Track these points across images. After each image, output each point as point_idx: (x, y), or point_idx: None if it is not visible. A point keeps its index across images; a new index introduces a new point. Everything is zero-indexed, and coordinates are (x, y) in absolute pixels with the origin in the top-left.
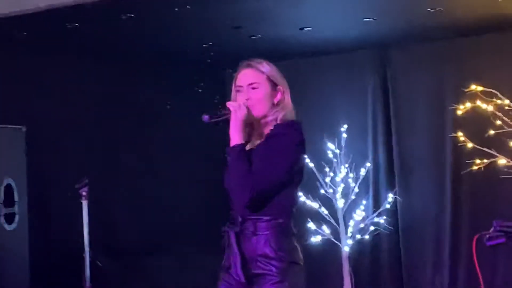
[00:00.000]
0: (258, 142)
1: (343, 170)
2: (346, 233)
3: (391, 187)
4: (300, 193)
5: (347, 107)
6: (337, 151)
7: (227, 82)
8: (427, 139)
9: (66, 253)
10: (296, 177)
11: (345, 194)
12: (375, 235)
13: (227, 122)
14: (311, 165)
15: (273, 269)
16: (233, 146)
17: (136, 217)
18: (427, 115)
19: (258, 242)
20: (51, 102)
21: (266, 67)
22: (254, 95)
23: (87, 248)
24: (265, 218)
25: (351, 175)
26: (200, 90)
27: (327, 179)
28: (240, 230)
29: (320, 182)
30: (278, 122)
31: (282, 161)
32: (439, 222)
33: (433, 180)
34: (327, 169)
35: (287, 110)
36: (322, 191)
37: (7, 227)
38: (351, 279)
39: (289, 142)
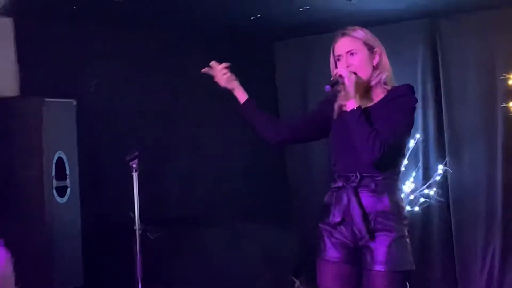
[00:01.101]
0: (369, 104)
1: None
2: None
3: (441, 158)
4: None
5: (397, 78)
6: None
7: (275, 55)
8: (478, 110)
9: (117, 225)
10: (409, 137)
11: None
12: (425, 207)
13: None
14: None
15: (393, 225)
16: (352, 110)
17: (186, 189)
18: (478, 85)
19: (379, 198)
20: (100, 75)
21: (360, 32)
22: (354, 61)
23: (137, 221)
24: (383, 175)
25: None
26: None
27: None
28: (358, 186)
29: None
30: (383, 84)
31: (405, 120)
32: (490, 193)
33: (484, 151)
34: None
35: (388, 72)
36: None
37: (59, 200)
38: None
39: (408, 104)
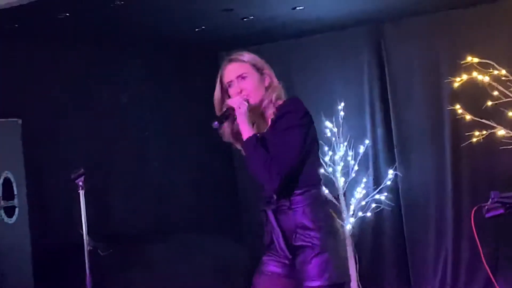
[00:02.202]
0: (265, 127)
1: (342, 148)
2: (348, 211)
3: (391, 163)
4: None
5: (344, 85)
6: (335, 129)
7: (221, 65)
8: (425, 113)
9: (67, 243)
10: (312, 146)
11: (345, 173)
12: (377, 212)
13: (233, 119)
14: None
15: (313, 240)
16: (247, 139)
17: (134, 204)
18: (424, 89)
19: (295, 215)
20: (45, 94)
21: (247, 56)
22: (246, 85)
23: (85, 237)
24: (298, 191)
25: (350, 153)
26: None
27: (327, 158)
28: (277, 207)
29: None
30: (274, 102)
31: (294, 138)
32: (440, 196)
33: (432, 154)
34: (326, 148)
35: (277, 90)
36: (322, 170)
37: (8, 220)
38: (354, 257)
39: (294, 118)
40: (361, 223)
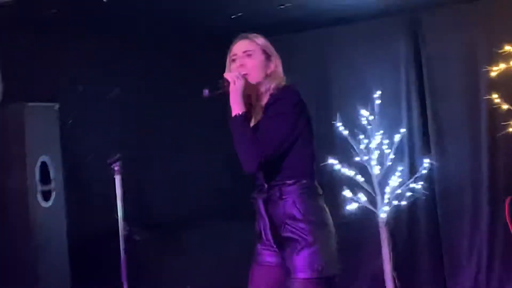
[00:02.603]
0: (259, 117)
1: (377, 137)
2: (383, 200)
3: (426, 152)
4: (334, 161)
5: (380, 74)
6: (371, 117)
7: None
8: (462, 102)
9: (102, 227)
10: (304, 136)
11: (380, 161)
12: (412, 201)
13: (226, 94)
14: (345, 132)
15: (301, 232)
16: (235, 116)
17: (170, 191)
18: (460, 78)
19: (285, 205)
20: (83, 79)
21: (260, 39)
22: (248, 62)
23: (121, 223)
24: (289, 181)
25: (385, 141)
26: None
27: (362, 146)
28: (268, 196)
29: (354, 150)
30: (271, 92)
31: (282, 124)
32: (475, 185)
33: (468, 143)
34: (361, 136)
35: (278, 79)
36: (357, 159)
37: (44, 204)
38: (388, 245)
39: (285, 105)
40: (396, 212)
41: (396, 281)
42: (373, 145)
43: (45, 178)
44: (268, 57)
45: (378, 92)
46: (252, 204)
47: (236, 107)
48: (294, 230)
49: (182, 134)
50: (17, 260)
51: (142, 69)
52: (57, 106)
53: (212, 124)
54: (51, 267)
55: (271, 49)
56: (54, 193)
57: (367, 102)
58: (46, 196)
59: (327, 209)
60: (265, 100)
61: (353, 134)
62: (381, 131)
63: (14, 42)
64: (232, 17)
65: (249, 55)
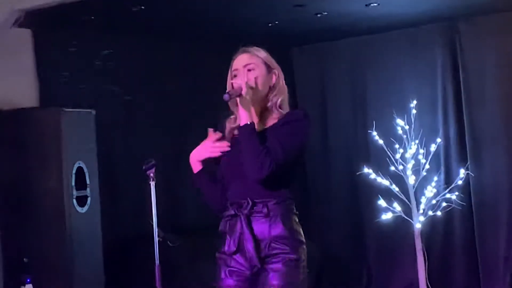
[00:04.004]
0: (263, 127)
1: (413, 146)
2: (418, 209)
3: (463, 162)
4: (369, 170)
5: (416, 82)
6: (407, 127)
7: (293, 61)
8: (499, 112)
9: (137, 233)
10: (301, 158)
11: (416, 171)
12: (447, 212)
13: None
14: (381, 141)
15: (287, 249)
16: (246, 125)
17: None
18: (498, 87)
19: (272, 223)
20: (119, 85)
21: (261, 52)
22: (251, 76)
23: (155, 229)
24: (275, 200)
25: (421, 151)
26: None
27: (397, 156)
28: (250, 213)
29: (390, 159)
30: (278, 107)
31: (296, 142)
32: None
33: (505, 154)
34: (397, 146)
35: (283, 95)
36: (393, 168)
37: (80, 209)
38: (424, 256)
39: (303, 129)
40: (431, 222)
41: None
42: (408, 154)
43: (80, 183)
44: (269, 69)
45: (415, 101)
46: (225, 222)
47: (247, 116)
48: (279, 248)
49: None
50: (53, 265)
51: (178, 74)
52: (93, 112)
53: None
54: (86, 272)
55: (272, 62)
56: (89, 198)
57: (404, 111)
58: (82, 201)
59: (300, 228)
60: (272, 114)
61: (389, 143)
62: (417, 141)
63: (51, 47)
64: (270, 25)
65: (250, 69)
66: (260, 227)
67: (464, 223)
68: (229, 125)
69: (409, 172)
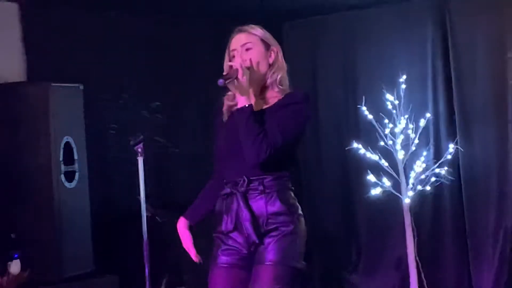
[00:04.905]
0: (264, 106)
1: (402, 121)
2: (407, 184)
3: (452, 137)
4: (359, 145)
5: (406, 58)
6: (396, 102)
7: (284, 36)
8: (489, 88)
9: (125, 209)
10: (302, 137)
11: (405, 146)
12: (437, 186)
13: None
14: (370, 116)
15: (283, 224)
16: (243, 108)
17: (193, 172)
18: (488, 63)
19: (268, 200)
20: (107, 59)
21: (258, 30)
22: (249, 55)
23: (144, 204)
24: (271, 176)
25: (410, 126)
26: None
27: (387, 131)
28: (246, 190)
29: (379, 134)
30: (278, 84)
31: (296, 126)
32: (501, 171)
33: (495, 129)
34: (386, 121)
35: (283, 72)
36: (382, 143)
37: (68, 185)
38: (413, 230)
39: (303, 112)
40: (420, 197)
41: (420, 266)
42: (398, 129)
43: (68, 158)
44: (267, 46)
45: (404, 77)
46: (221, 201)
47: (245, 98)
48: (276, 222)
49: (206, 115)
50: (41, 241)
51: (167, 48)
52: (81, 86)
53: None
54: (74, 247)
55: (270, 39)
56: (77, 173)
57: (393, 86)
58: (70, 176)
59: (298, 204)
60: (272, 93)
61: (378, 118)
62: (406, 116)
63: (39, 21)
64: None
65: (248, 48)
66: (257, 204)
67: (453, 198)
68: (227, 102)
69: (398, 147)
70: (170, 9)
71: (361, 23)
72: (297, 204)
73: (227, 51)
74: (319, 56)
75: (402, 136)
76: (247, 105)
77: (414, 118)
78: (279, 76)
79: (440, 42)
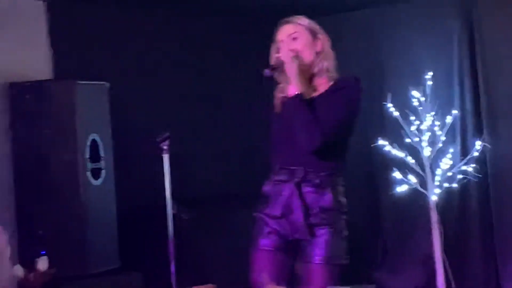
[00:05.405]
0: (313, 94)
1: (428, 118)
2: (433, 182)
3: (479, 134)
4: (385, 142)
5: (432, 54)
6: (422, 99)
7: None
8: None
9: (151, 206)
10: (353, 129)
11: (431, 143)
12: (463, 183)
13: (284, 74)
14: (396, 113)
15: (333, 220)
16: (295, 96)
17: (218, 169)
18: None
19: (322, 194)
20: (133, 57)
21: (304, 19)
22: (296, 45)
23: (169, 201)
24: (327, 171)
25: (437, 123)
26: None
27: (413, 128)
28: (301, 180)
29: (405, 131)
30: (326, 71)
31: (348, 111)
32: None
33: None
34: (412, 118)
35: (330, 60)
36: (408, 140)
37: (94, 182)
38: (439, 228)
39: (354, 97)
40: (447, 194)
41: (446, 264)
42: (424, 126)
43: (95, 156)
44: (314, 35)
45: (430, 73)
46: (273, 185)
47: (295, 87)
48: (326, 218)
49: (232, 112)
50: (67, 237)
51: (191, 47)
52: (107, 84)
53: (260, 100)
54: (100, 244)
55: (316, 28)
56: (103, 171)
57: (419, 83)
58: (96, 174)
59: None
60: (321, 80)
61: (404, 115)
62: (433, 113)
63: (65, 19)
64: None
65: (295, 38)
66: (310, 196)
67: (480, 195)
68: (278, 94)
69: (424, 144)
70: (194, 8)
71: (386, 19)
72: (345, 201)
73: (273, 44)
74: (344, 54)
75: (428, 133)
76: (297, 93)
77: (440, 115)
78: (326, 64)
79: (466, 37)
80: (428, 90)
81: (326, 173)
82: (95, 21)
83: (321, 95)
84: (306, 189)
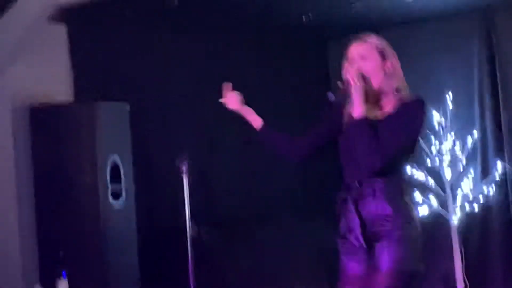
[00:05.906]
0: (378, 113)
1: (449, 139)
2: (455, 203)
3: (500, 155)
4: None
5: (452, 74)
6: (442, 119)
7: (329, 54)
8: None
9: (171, 227)
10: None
11: (452, 164)
12: (485, 206)
13: (347, 95)
14: None
15: (391, 228)
16: (360, 119)
17: (237, 190)
18: None
19: (377, 202)
20: (153, 79)
21: (374, 39)
22: (365, 66)
23: (189, 222)
24: (382, 179)
25: (457, 143)
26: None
27: (433, 149)
28: (358, 195)
29: (425, 152)
30: (395, 92)
31: (411, 136)
32: None
33: None
34: (432, 138)
35: (400, 80)
36: (428, 161)
37: (114, 203)
38: (460, 250)
39: (419, 121)
40: (468, 216)
41: (468, 286)
42: (445, 147)
43: (115, 177)
44: (383, 56)
45: (450, 94)
46: (337, 204)
47: (359, 109)
48: (384, 225)
49: (250, 131)
50: (88, 259)
51: (213, 70)
52: (128, 105)
53: (280, 119)
54: (121, 265)
55: (386, 48)
56: (124, 192)
57: (439, 104)
58: (116, 195)
59: (413, 206)
60: (388, 100)
61: (425, 137)
62: (453, 133)
63: (86, 41)
64: (303, 16)
65: (363, 58)
66: (366, 208)
67: (502, 218)
68: (346, 111)
69: (445, 165)
70: (215, 29)
71: (405, 39)
72: (409, 206)
73: (344, 59)
74: None
75: (449, 154)
76: (360, 119)
77: (461, 136)
78: (395, 85)
79: (486, 57)
80: (448, 111)
81: (383, 182)
82: (115, 43)
83: (386, 119)
84: (364, 201)
